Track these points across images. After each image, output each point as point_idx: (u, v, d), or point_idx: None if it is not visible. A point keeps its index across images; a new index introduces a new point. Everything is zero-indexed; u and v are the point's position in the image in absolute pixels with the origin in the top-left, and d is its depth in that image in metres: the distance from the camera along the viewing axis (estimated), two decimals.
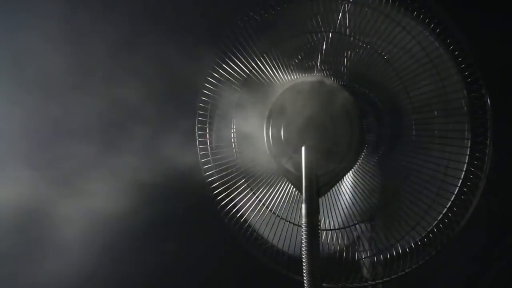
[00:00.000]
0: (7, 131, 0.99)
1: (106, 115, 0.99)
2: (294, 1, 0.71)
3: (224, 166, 0.77)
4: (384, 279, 0.70)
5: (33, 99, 0.97)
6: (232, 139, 0.75)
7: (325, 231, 0.71)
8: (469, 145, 0.66)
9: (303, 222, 0.65)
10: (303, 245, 0.65)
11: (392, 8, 0.67)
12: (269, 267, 0.75)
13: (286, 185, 0.71)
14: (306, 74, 0.70)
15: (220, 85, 0.76)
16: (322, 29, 0.69)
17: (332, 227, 0.71)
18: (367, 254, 0.70)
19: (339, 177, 0.68)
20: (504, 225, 0.93)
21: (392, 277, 0.69)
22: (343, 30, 0.68)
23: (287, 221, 0.73)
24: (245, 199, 0.74)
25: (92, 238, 0.97)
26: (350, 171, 0.69)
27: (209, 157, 0.78)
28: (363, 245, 0.70)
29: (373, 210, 0.69)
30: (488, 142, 0.65)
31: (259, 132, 0.70)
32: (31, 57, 0.98)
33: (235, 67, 0.74)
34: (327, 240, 0.71)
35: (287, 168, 0.68)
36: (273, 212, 0.73)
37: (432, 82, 0.66)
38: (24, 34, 0.99)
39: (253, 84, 0.73)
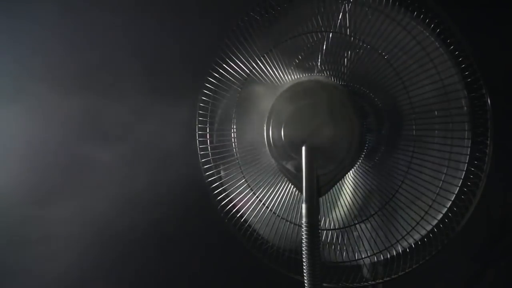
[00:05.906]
0: None
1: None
2: (294, 1, 0.71)
3: (224, 166, 0.77)
4: (384, 279, 0.70)
5: None
6: (233, 139, 0.75)
7: (325, 231, 0.71)
8: (469, 145, 0.66)
9: (303, 222, 0.65)
10: (303, 245, 0.65)
11: (392, 8, 0.67)
12: (269, 267, 0.75)
13: (286, 185, 0.71)
14: (306, 74, 0.70)
15: (220, 85, 0.76)
16: (322, 29, 0.69)
17: (332, 227, 0.71)
18: (367, 254, 0.70)
19: (339, 177, 0.68)
20: (504, 225, 0.93)
21: (392, 277, 0.69)
22: (343, 30, 0.68)
23: (287, 221, 0.73)
24: (245, 199, 0.74)
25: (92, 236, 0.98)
26: (351, 171, 0.69)
27: (209, 156, 0.78)
28: (363, 245, 0.70)
29: (373, 210, 0.69)
30: (488, 142, 0.65)
31: (259, 132, 0.70)
32: None
33: (235, 67, 0.74)
34: (327, 240, 0.71)
35: (287, 168, 0.68)
36: (273, 212, 0.73)
37: (432, 82, 0.65)
38: None
39: (253, 84, 0.73)
